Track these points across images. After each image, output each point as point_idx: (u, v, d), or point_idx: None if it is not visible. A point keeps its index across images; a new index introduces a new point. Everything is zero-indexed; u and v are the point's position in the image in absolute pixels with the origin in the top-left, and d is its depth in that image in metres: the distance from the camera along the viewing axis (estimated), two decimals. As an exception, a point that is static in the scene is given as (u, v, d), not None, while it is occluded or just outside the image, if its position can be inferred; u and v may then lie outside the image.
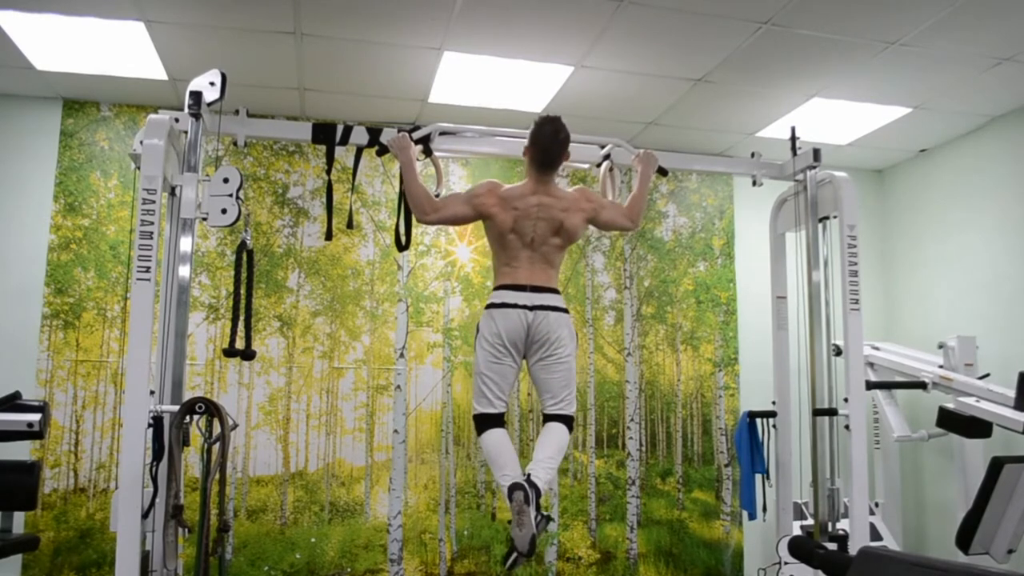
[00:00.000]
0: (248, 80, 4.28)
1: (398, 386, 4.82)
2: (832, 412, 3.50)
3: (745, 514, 4.85)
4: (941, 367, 4.39)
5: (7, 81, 4.34)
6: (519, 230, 3.04)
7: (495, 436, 2.99)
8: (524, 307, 2.98)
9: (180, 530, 2.66)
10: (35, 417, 3.38)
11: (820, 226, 3.64)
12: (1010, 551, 3.74)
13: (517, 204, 3.03)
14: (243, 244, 3.12)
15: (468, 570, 4.73)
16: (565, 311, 3.06)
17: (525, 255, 3.05)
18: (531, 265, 3.06)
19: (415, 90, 4.42)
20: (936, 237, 5.24)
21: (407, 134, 3.20)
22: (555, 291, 3.08)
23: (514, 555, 2.80)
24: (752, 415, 4.30)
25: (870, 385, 4.26)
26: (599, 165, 3.58)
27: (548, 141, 3.06)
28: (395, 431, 4.77)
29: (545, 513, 2.88)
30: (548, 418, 3.07)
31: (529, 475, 2.84)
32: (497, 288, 3.07)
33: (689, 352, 5.31)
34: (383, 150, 3.27)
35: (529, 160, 3.11)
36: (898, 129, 4.93)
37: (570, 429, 3.05)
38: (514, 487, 2.74)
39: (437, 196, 3.36)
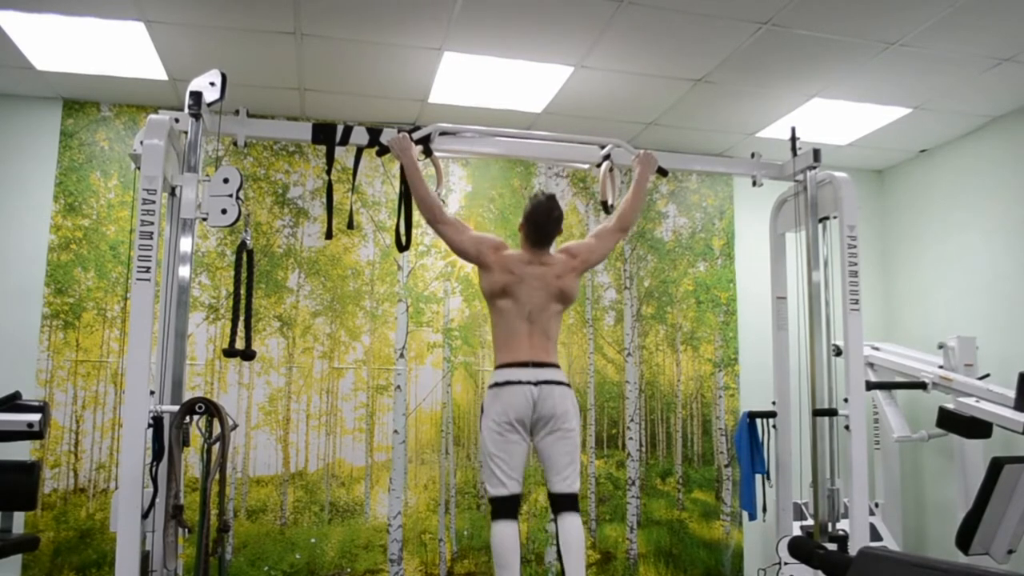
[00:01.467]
0: (248, 80, 4.28)
1: (398, 386, 4.81)
2: (832, 412, 3.50)
3: (745, 514, 4.86)
4: (941, 367, 4.39)
5: (7, 81, 4.34)
6: (515, 296, 3.07)
7: (503, 534, 2.97)
8: (528, 383, 2.99)
9: (180, 530, 2.66)
10: (35, 417, 3.37)
11: (820, 226, 3.64)
12: (1010, 551, 3.74)
13: (513, 269, 3.08)
14: (243, 244, 3.12)
15: (468, 570, 4.73)
16: (568, 385, 3.09)
17: (524, 329, 3.07)
18: (531, 340, 3.07)
19: (415, 90, 4.42)
20: (936, 237, 5.24)
21: (407, 135, 3.21)
22: (556, 366, 3.10)
23: None
24: (752, 415, 4.31)
25: (870, 385, 4.26)
26: (599, 165, 3.58)
27: (542, 220, 3.13)
28: (395, 431, 4.77)
29: None
30: (554, 499, 3.04)
31: None
32: (499, 367, 3.08)
33: (689, 352, 5.31)
34: (383, 150, 3.27)
35: (523, 236, 3.17)
36: (898, 129, 4.93)
37: (578, 509, 3.04)
38: None
39: (422, 213, 3.36)
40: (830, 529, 3.45)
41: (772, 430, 4.09)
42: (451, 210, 5.00)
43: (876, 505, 4.82)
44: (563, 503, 3.02)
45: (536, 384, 3.00)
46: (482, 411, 3.07)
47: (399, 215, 3.30)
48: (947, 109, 4.64)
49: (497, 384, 3.04)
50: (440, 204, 3.15)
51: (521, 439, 3.02)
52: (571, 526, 2.98)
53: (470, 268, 5.00)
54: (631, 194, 3.35)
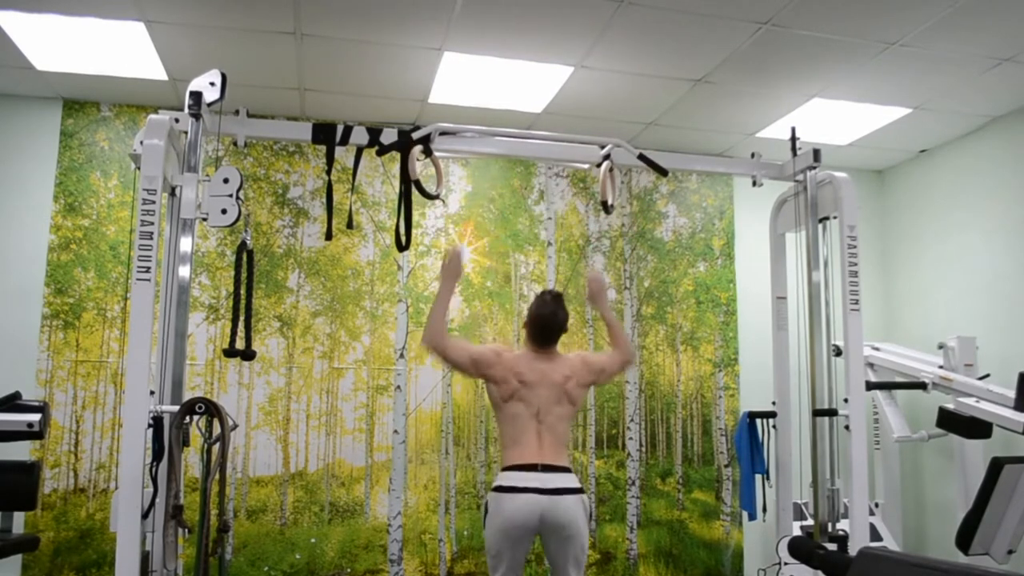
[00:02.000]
0: (248, 80, 4.28)
1: (398, 386, 4.81)
2: (832, 412, 3.50)
3: (745, 514, 4.85)
4: (941, 367, 4.39)
5: (7, 81, 4.34)
6: (524, 399, 3.02)
7: None
8: (537, 491, 2.89)
9: (180, 530, 2.65)
10: (35, 417, 3.37)
11: (820, 226, 3.64)
12: (1010, 552, 3.73)
13: (520, 370, 3.04)
14: (243, 244, 3.11)
15: (468, 570, 4.73)
16: (580, 491, 2.99)
17: (533, 429, 3.00)
18: (540, 442, 2.99)
19: (415, 90, 4.42)
20: (936, 237, 5.24)
21: (459, 255, 3.21)
22: (568, 469, 3.00)
23: None
24: (752, 415, 4.31)
25: (870, 385, 4.26)
26: (599, 165, 3.57)
27: (548, 321, 3.12)
28: (395, 431, 4.77)
29: None
30: None
31: None
32: (506, 468, 2.99)
33: (689, 352, 5.31)
34: (383, 150, 3.26)
35: (528, 334, 3.16)
36: (898, 129, 4.93)
37: None
38: None
39: (436, 196, 3.36)
40: (830, 529, 3.44)
41: (772, 430, 4.09)
42: (451, 210, 5.00)
43: (876, 505, 4.82)
44: None
45: (546, 493, 2.89)
46: (486, 510, 2.98)
47: (399, 215, 3.29)
48: (947, 109, 4.64)
49: (502, 488, 2.94)
50: (445, 325, 3.12)
51: (524, 542, 2.96)
52: None
53: (470, 268, 5.00)
54: (609, 324, 3.32)
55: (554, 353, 3.15)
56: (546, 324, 3.12)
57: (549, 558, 3.07)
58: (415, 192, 3.32)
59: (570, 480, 2.99)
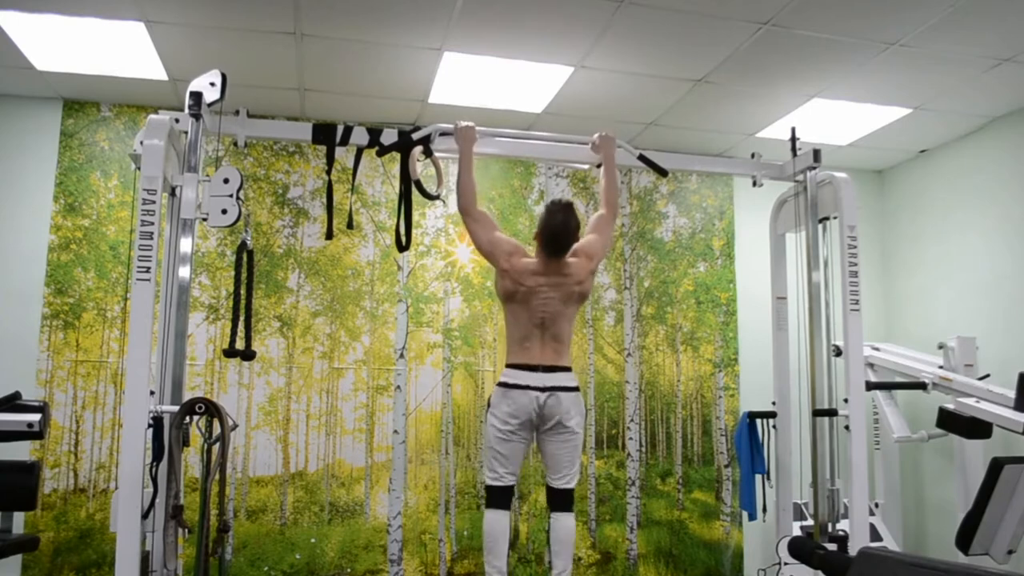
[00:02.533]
0: (248, 80, 4.28)
1: (398, 386, 4.81)
2: (832, 413, 3.50)
3: (745, 515, 4.86)
4: (941, 368, 4.39)
5: (7, 81, 4.34)
6: (528, 305, 3.10)
7: (493, 521, 3.11)
8: (536, 389, 3.05)
9: (180, 530, 2.66)
10: (35, 417, 3.37)
11: (820, 227, 3.64)
12: (1010, 552, 3.73)
13: (524, 281, 3.10)
14: (243, 244, 3.12)
15: (468, 571, 4.73)
16: (576, 389, 3.13)
17: (536, 334, 3.12)
18: (542, 344, 3.12)
19: (415, 90, 4.42)
20: (936, 238, 5.24)
21: (473, 125, 3.27)
22: (567, 369, 3.14)
23: None
24: (752, 415, 4.31)
25: (870, 386, 4.26)
26: (599, 166, 3.58)
27: (558, 231, 3.12)
28: (395, 431, 4.77)
29: None
30: (551, 493, 3.15)
31: None
32: (509, 366, 3.14)
33: (689, 353, 5.31)
34: (383, 151, 3.27)
35: (540, 245, 3.17)
36: (898, 130, 4.93)
37: (573, 505, 3.15)
38: None
39: (436, 196, 3.37)
40: (830, 529, 3.45)
41: (772, 430, 4.09)
42: (451, 210, 5.00)
43: (876, 505, 4.82)
44: (558, 499, 3.13)
45: (544, 391, 3.05)
46: (489, 404, 3.14)
47: (399, 215, 3.29)
48: (947, 109, 4.64)
49: (505, 384, 3.10)
50: (475, 196, 3.19)
51: (523, 439, 3.12)
52: (562, 526, 3.10)
53: (470, 268, 5.00)
54: (605, 178, 3.37)
55: (564, 265, 3.16)
56: (557, 233, 3.12)
57: (545, 456, 3.17)
58: (415, 192, 3.33)
59: (568, 379, 3.12)
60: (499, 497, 3.12)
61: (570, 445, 3.11)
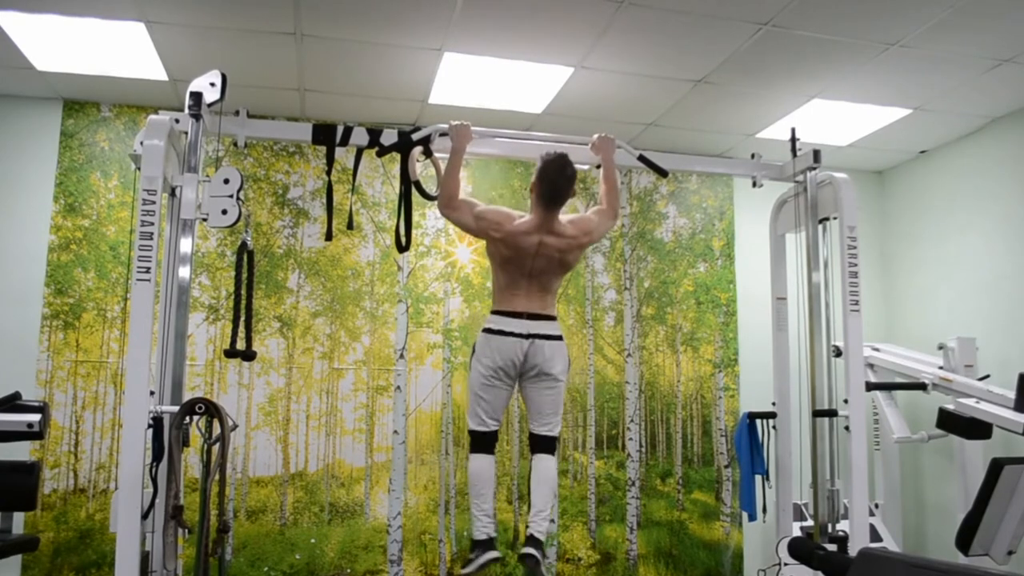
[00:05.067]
0: (248, 81, 4.28)
1: (398, 387, 4.81)
2: (832, 413, 3.50)
3: (745, 515, 4.85)
4: (941, 368, 4.39)
5: (7, 81, 4.34)
6: (519, 263, 3.10)
7: (479, 466, 3.12)
8: (519, 335, 3.05)
9: (180, 531, 2.66)
10: (35, 417, 3.37)
11: (820, 227, 3.64)
12: (1010, 552, 3.73)
13: (520, 242, 3.08)
14: (243, 245, 3.12)
15: (468, 571, 4.72)
16: (560, 338, 3.13)
17: (524, 283, 3.11)
18: (529, 292, 3.12)
19: (415, 91, 4.42)
20: (936, 238, 5.24)
21: (470, 125, 3.26)
22: (551, 318, 3.14)
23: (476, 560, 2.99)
24: (752, 416, 4.30)
25: (870, 386, 4.26)
26: (599, 166, 3.58)
27: (555, 177, 3.09)
28: (395, 432, 4.77)
29: (533, 554, 2.98)
30: (533, 439, 3.16)
31: (532, 535, 2.98)
32: (494, 312, 3.14)
33: (689, 353, 5.31)
34: (383, 151, 3.27)
35: (535, 196, 3.13)
36: (898, 130, 4.94)
37: (555, 449, 3.16)
38: (525, 557, 2.93)
39: (436, 197, 3.36)
40: (830, 530, 3.45)
41: (772, 431, 4.09)
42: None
43: (876, 506, 4.82)
44: (541, 444, 3.15)
45: (528, 338, 3.04)
46: (473, 350, 3.14)
47: (399, 216, 3.29)
48: (947, 110, 4.64)
49: (490, 330, 3.09)
50: (459, 191, 3.17)
51: (506, 385, 3.11)
52: (544, 465, 3.11)
53: (470, 269, 5.00)
54: (604, 180, 3.35)
55: (557, 224, 3.12)
56: (553, 181, 3.08)
57: (528, 403, 3.18)
58: (415, 193, 3.33)
59: (553, 328, 3.11)
60: (483, 442, 3.13)
61: (553, 392, 3.11)
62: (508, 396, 3.15)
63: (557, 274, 3.17)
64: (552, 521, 4.85)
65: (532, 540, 2.97)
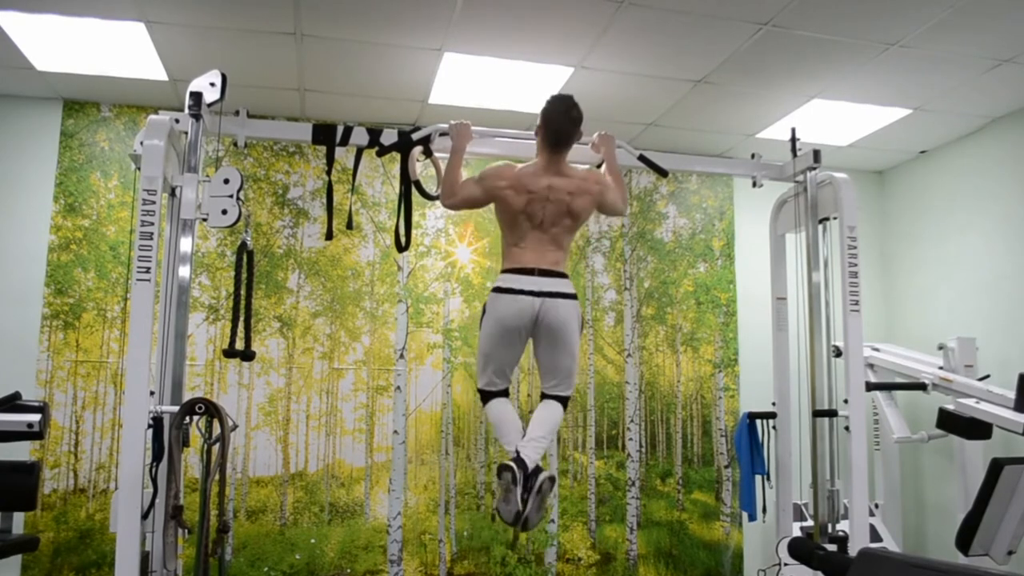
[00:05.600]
0: (248, 81, 4.28)
1: (398, 387, 4.81)
2: (832, 413, 3.50)
3: (745, 515, 4.85)
4: (941, 368, 4.39)
5: (7, 81, 4.34)
6: (530, 212, 2.99)
7: (499, 408, 3.04)
8: (532, 293, 2.92)
9: (180, 531, 2.66)
10: (35, 417, 3.37)
11: (820, 227, 3.64)
12: (1010, 552, 3.73)
13: (529, 186, 2.98)
14: (243, 245, 3.12)
15: (468, 571, 4.73)
16: (574, 296, 3.00)
17: (534, 236, 3.00)
18: (540, 247, 3.00)
19: (415, 91, 4.42)
20: (936, 238, 5.24)
21: (470, 124, 3.22)
22: (563, 275, 3.02)
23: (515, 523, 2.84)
24: (752, 416, 4.30)
25: (870, 386, 4.26)
26: (599, 166, 3.58)
27: (560, 119, 3.02)
28: (395, 432, 4.77)
29: (548, 474, 2.88)
30: (545, 396, 3.08)
31: (519, 453, 2.86)
32: (505, 271, 3.02)
33: (689, 353, 5.31)
34: (383, 151, 3.27)
35: (541, 140, 3.07)
36: (898, 130, 4.93)
37: (565, 407, 3.07)
38: (502, 468, 2.80)
39: (436, 197, 3.36)
40: (830, 530, 3.45)
41: (772, 431, 4.09)
42: (451, 211, 4.99)
43: (876, 506, 4.82)
44: (551, 398, 3.07)
45: (540, 296, 2.92)
46: (484, 310, 3.01)
47: (399, 216, 3.29)
48: (947, 110, 4.64)
49: (500, 289, 2.97)
50: (458, 182, 3.09)
51: (517, 345, 3.01)
52: (550, 406, 3.03)
53: (470, 269, 5.00)
54: (614, 178, 3.27)
55: (564, 165, 3.06)
56: (560, 121, 3.02)
57: (539, 361, 3.08)
58: (415, 193, 3.33)
59: (565, 285, 2.99)
60: (496, 394, 3.05)
61: (566, 353, 2.99)
62: (518, 356, 3.04)
63: (567, 227, 3.05)
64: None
65: (517, 459, 2.83)
